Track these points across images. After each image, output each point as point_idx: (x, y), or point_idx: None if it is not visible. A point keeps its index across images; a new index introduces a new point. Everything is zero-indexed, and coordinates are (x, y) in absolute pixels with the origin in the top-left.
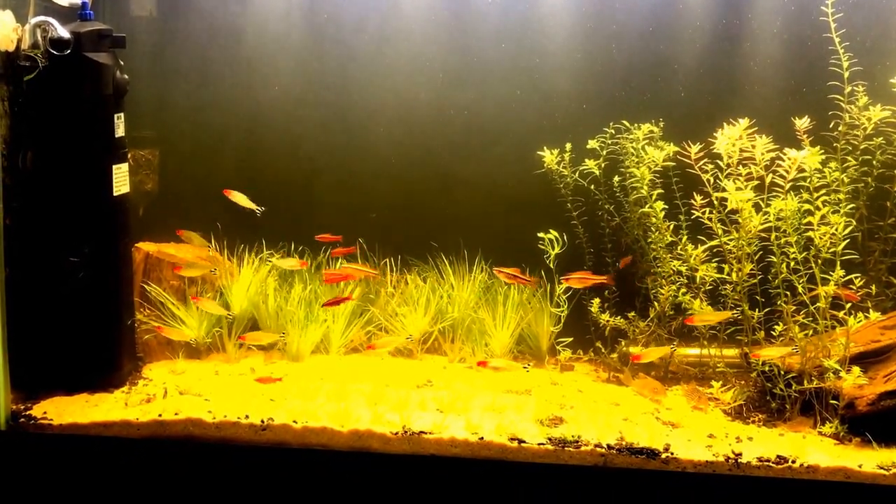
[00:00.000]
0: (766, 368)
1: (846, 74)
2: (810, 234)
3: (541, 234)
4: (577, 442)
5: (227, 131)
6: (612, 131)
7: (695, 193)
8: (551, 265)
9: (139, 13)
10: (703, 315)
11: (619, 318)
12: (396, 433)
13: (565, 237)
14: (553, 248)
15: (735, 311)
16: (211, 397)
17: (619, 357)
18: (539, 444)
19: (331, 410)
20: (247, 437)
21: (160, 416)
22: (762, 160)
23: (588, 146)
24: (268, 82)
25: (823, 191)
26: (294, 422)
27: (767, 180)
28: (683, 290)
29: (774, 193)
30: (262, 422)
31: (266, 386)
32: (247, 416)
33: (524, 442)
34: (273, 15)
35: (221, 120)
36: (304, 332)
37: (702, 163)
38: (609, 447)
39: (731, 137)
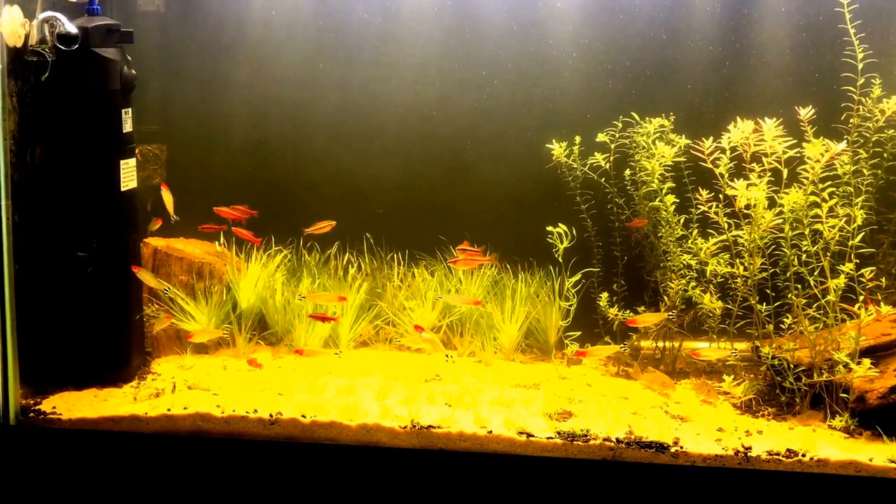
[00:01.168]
0: (776, 362)
1: (860, 66)
2: (818, 226)
3: (550, 228)
4: (586, 436)
5: (235, 126)
6: (621, 125)
7: (700, 188)
8: (560, 259)
9: (147, 8)
10: (644, 317)
11: (628, 312)
12: (405, 427)
13: (574, 231)
14: (562, 242)
15: (672, 313)
16: (219, 392)
17: (628, 351)
18: (548, 438)
19: (339, 405)
20: (255, 431)
21: (169, 410)
22: (775, 154)
23: (598, 139)
24: (276, 76)
25: (829, 182)
26: (302, 416)
27: (784, 173)
28: (693, 283)
29: (789, 187)
30: (271, 416)
31: (273, 381)
32: (255, 411)
33: (533, 436)
34: (281, 9)
35: (229, 115)
36: (311, 327)
37: (714, 157)
38: (618, 441)
39: (745, 131)
